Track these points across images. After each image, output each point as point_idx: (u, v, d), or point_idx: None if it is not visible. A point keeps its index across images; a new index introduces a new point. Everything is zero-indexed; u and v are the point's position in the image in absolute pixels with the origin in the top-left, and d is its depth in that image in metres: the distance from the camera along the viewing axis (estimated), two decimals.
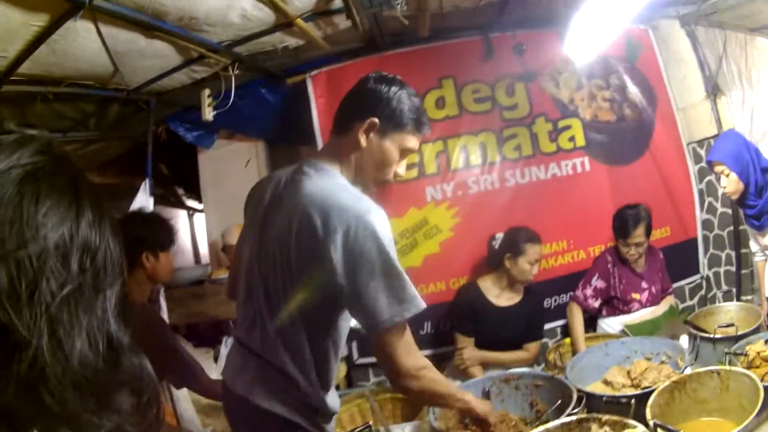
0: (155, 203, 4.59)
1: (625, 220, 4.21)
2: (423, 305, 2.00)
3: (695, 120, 5.15)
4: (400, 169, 2.30)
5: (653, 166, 5.13)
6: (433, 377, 2.13)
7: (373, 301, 1.92)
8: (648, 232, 4.23)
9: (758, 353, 2.65)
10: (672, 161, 5.23)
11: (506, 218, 4.62)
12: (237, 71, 4.29)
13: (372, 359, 4.79)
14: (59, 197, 0.75)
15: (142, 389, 0.79)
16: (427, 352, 4.80)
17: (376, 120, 2.14)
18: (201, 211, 7.55)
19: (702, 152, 5.18)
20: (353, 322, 2.67)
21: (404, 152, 2.25)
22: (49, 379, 0.68)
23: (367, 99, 2.21)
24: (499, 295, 4.25)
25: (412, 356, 2.04)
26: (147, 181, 4.50)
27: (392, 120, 2.17)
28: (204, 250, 8.86)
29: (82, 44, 3.21)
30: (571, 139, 5.00)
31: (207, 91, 4.45)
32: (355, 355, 4.90)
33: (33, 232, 0.69)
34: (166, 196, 7.77)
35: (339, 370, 4.56)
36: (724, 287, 5.20)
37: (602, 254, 4.57)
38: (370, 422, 2.62)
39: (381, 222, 1.98)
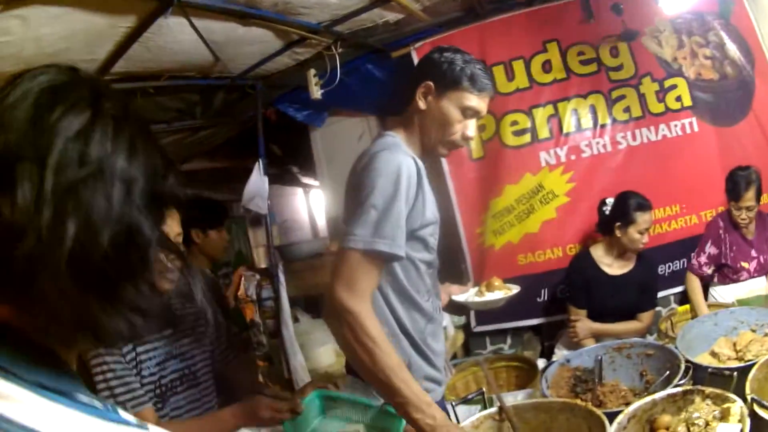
0: (271, 183, 4.88)
1: (736, 182, 4.35)
2: (398, 252, 2.16)
3: None
4: (469, 131, 2.50)
5: (758, 126, 5.16)
6: (357, 336, 2.08)
7: (355, 218, 2.18)
8: (759, 196, 4.34)
9: None
10: None
11: (620, 182, 4.76)
12: (340, 49, 4.53)
13: (489, 327, 5.19)
14: (76, 105, 0.84)
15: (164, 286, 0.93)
16: (543, 320, 5.14)
17: (431, 82, 2.43)
18: (317, 187, 7.97)
19: None
20: (464, 297, 3.12)
21: (466, 111, 2.45)
22: (47, 263, 0.76)
23: (423, 66, 2.54)
24: (611, 264, 4.44)
25: (349, 293, 2.09)
26: (260, 161, 4.85)
27: (447, 80, 2.42)
28: (321, 223, 9.40)
29: (177, 38, 3.46)
30: (678, 98, 5.13)
31: (313, 71, 4.73)
32: (473, 323, 5.20)
33: (47, 133, 0.79)
34: (280, 175, 8.14)
35: (456, 338, 4.88)
36: None
37: (714, 219, 4.72)
38: (484, 389, 2.87)
39: (391, 161, 2.24)
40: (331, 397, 2.44)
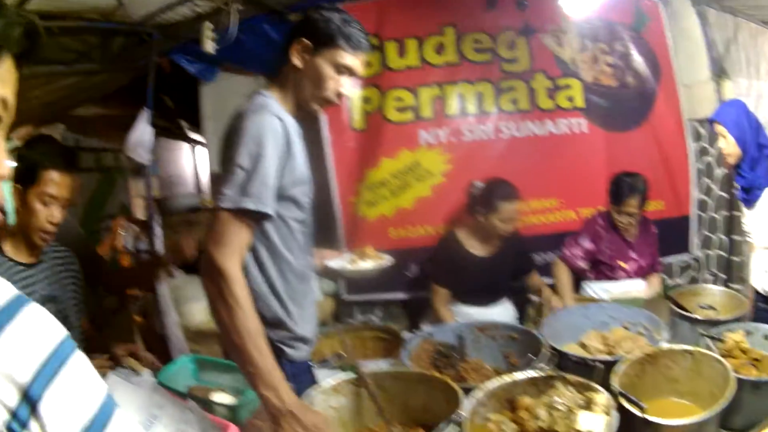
0: (159, 135, 4.78)
1: (620, 187, 4.48)
2: (265, 210, 2.24)
3: (698, 98, 5.46)
4: (343, 88, 2.57)
5: (652, 136, 5.46)
6: (221, 293, 2.13)
7: (224, 178, 2.25)
8: (642, 204, 4.49)
9: (737, 343, 2.86)
10: (671, 135, 5.55)
11: (499, 169, 4.86)
12: (240, 7, 4.51)
13: (359, 297, 5.26)
14: None
15: None
16: (412, 295, 5.25)
17: (307, 40, 2.48)
18: (202, 143, 7.74)
19: (702, 131, 5.50)
20: (337, 264, 3.18)
21: (340, 69, 2.52)
22: None
23: (301, 24, 2.56)
24: (476, 246, 4.54)
25: (219, 250, 2.16)
26: (147, 110, 4.78)
27: (322, 37, 2.48)
28: (205, 180, 9.48)
29: None
30: (570, 98, 5.33)
31: (208, 24, 4.65)
32: (343, 292, 5.26)
33: None
34: (169, 129, 7.97)
35: (326, 306, 4.90)
36: (714, 272, 5.62)
37: (594, 216, 4.85)
38: (343, 353, 2.92)
39: (257, 122, 2.31)
40: (203, 360, 2.42)
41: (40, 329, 0.89)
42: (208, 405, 2.06)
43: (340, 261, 3.14)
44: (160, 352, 3.83)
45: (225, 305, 2.10)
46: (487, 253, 4.59)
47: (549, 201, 5.37)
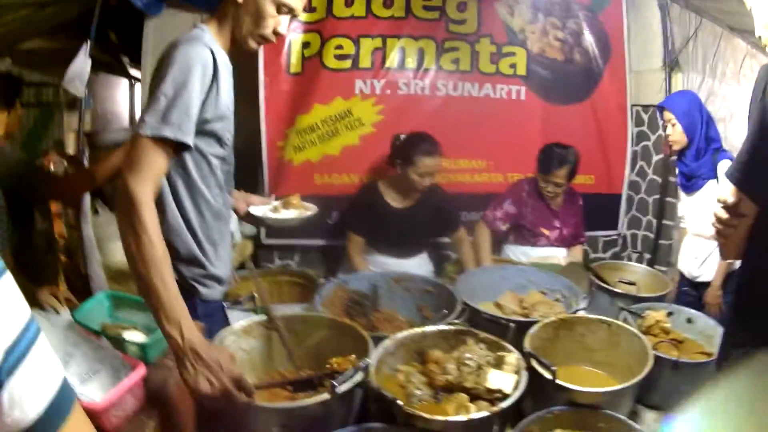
0: (99, 70, 4.71)
1: (550, 157, 4.56)
2: (184, 139, 2.20)
3: (646, 85, 5.63)
4: (281, 27, 2.55)
5: (591, 114, 5.64)
6: (130, 219, 2.05)
7: (147, 106, 2.21)
8: (570, 176, 4.59)
9: (658, 321, 2.93)
10: (612, 116, 5.72)
11: (430, 125, 4.86)
12: None
13: (278, 241, 5.31)
14: None
15: None
16: (331, 242, 5.29)
17: None
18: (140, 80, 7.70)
19: (645, 117, 5.67)
20: (260, 211, 3.16)
21: (280, 7, 2.49)
22: None
23: None
24: (396, 197, 4.58)
25: (133, 177, 2.09)
26: (88, 42, 4.69)
27: None
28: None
29: None
30: (512, 66, 5.43)
31: None
32: (263, 236, 5.27)
33: None
34: (111, 65, 7.77)
35: (245, 248, 4.83)
36: (639, 252, 5.79)
37: (520, 182, 4.95)
38: (255, 295, 2.90)
39: (186, 52, 2.28)
40: (118, 298, 2.39)
41: None
42: (120, 343, 2.03)
43: (263, 208, 3.11)
44: (84, 292, 3.86)
45: (132, 231, 2.03)
46: (406, 205, 4.63)
47: (478, 162, 5.51)
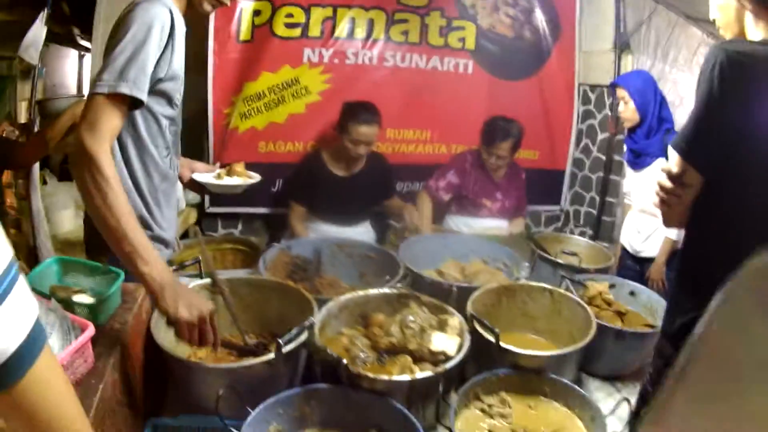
0: (50, 41, 4.63)
1: (494, 129, 4.65)
2: (139, 96, 2.19)
3: (595, 66, 5.72)
4: None
5: (538, 91, 5.72)
6: (93, 176, 2.04)
7: (104, 65, 2.19)
8: (514, 150, 4.69)
9: (600, 293, 2.99)
10: (559, 93, 5.82)
11: (376, 94, 4.97)
12: None
13: (222, 209, 5.31)
14: None
15: None
16: (274, 210, 5.30)
17: None
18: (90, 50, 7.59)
19: (592, 96, 5.77)
20: (204, 177, 3.17)
21: None
22: None
23: None
24: (338, 166, 4.63)
25: (90, 135, 2.07)
26: (44, 11, 4.64)
27: None
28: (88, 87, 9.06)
29: None
30: (461, 40, 5.47)
31: None
32: (207, 203, 5.25)
33: None
34: (61, 35, 7.68)
35: (189, 216, 4.88)
36: (582, 228, 5.88)
37: (463, 153, 5.04)
38: (200, 257, 2.80)
39: (146, 10, 2.27)
40: (67, 262, 2.38)
41: None
42: (69, 305, 2.02)
43: (207, 175, 3.10)
44: (31, 263, 3.87)
45: (96, 188, 2.03)
46: (348, 174, 4.68)
47: (423, 132, 5.58)
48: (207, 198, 5.25)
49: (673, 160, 1.95)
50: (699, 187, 1.89)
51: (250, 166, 3.26)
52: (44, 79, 5.23)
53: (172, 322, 2.05)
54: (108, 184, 2.03)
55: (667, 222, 2.12)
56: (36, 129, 4.76)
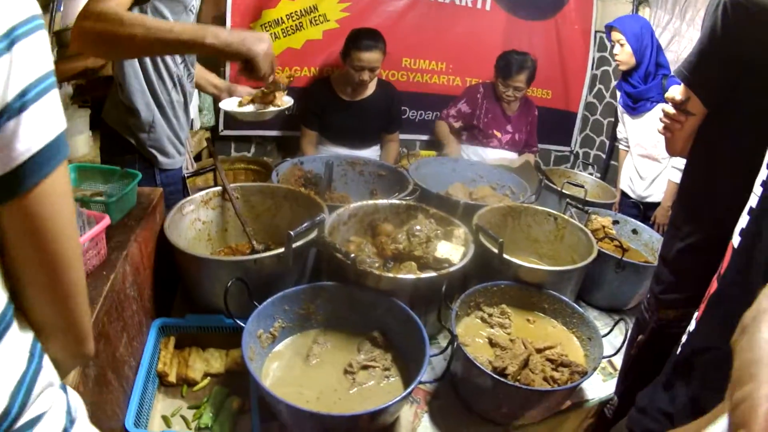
0: None
1: (509, 62, 4.71)
2: None
3: (612, 14, 5.56)
4: None
5: (554, 33, 5.76)
6: (120, 21, 2.00)
7: None
8: (529, 82, 4.76)
9: (604, 227, 3.03)
10: (574, 38, 5.86)
11: (391, 25, 5.13)
12: None
13: (235, 132, 5.36)
14: None
15: None
16: (288, 133, 5.38)
17: None
18: None
19: (608, 44, 5.48)
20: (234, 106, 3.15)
21: None
22: None
23: None
24: (346, 91, 4.67)
25: (99, 2, 2.02)
26: None
27: None
28: None
29: None
30: None
31: None
32: (221, 126, 5.30)
33: None
34: None
35: (203, 139, 4.86)
36: (590, 170, 5.87)
37: (476, 84, 5.12)
38: (217, 164, 2.86)
39: None
40: (82, 168, 2.41)
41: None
42: (85, 203, 2.06)
43: (230, 102, 3.07)
44: None
45: (127, 29, 1.99)
46: (357, 98, 4.72)
47: (438, 64, 5.60)
48: (221, 121, 5.30)
49: (677, 89, 1.98)
50: (701, 116, 1.92)
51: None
52: (62, 12, 5.21)
53: (255, 60, 2.13)
54: (133, 20, 2.01)
55: (670, 149, 2.15)
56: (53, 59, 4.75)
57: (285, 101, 2.96)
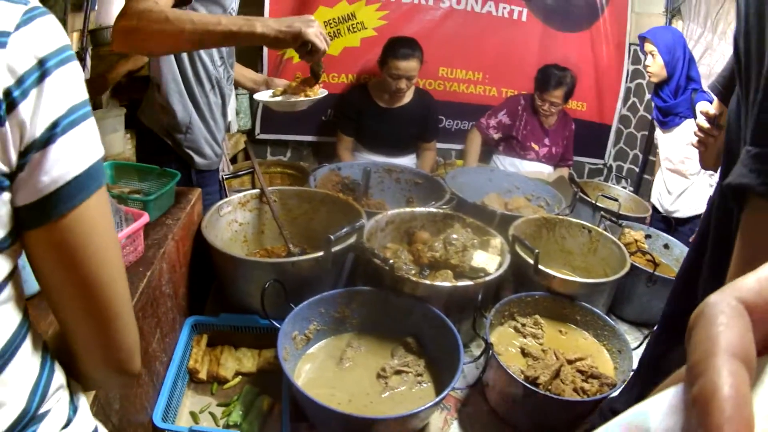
0: None
1: (548, 76, 4.73)
2: None
3: (646, 26, 5.38)
4: None
5: (589, 44, 5.74)
6: (164, 17, 2.03)
7: None
8: (567, 97, 4.78)
9: (636, 240, 3.01)
10: (609, 50, 5.83)
11: (430, 33, 5.17)
12: None
13: (271, 136, 5.38)
14: None
15: None
16: (324, 138, 5.40)
17: None
18: None
19: (642, 56, 5.57)
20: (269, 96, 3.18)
21: None
22: None
23: None
24: (383, 98, 4.70)
25: (139, 2, 2.05)
26: None
27: None
28: None
29: None
30: None
31: None
32: (257, 130, 5.32)
33: None
34: None
35: (239, 142, 4.96)
36: (623, 183, 6.00)
37: (517, 95, 5.14)
38: (255, 167, 2.89)
39: None
40: (120, 166, 2.44)
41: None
42: (123, 200, 2.08)
43: (264, 94, 3.09)
44: None
45: (175, 25, 2.02)
46: (394, 105, 4.74)
47: (475, 74, 5.62)
48: (258, 124, 5.32)
49: (705, 104, 1.98)
50: None
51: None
52: (96, 11, 5.26)
53: (310, 40, 2.14)
54: (179, 15, 2.03)
55: (703, 163, 2.15)
56: (88, 57, 4.78)
57: (319, 92, 3.00)
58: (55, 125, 0.90)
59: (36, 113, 0.87)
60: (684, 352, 0.42)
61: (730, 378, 0.36)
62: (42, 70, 0.87)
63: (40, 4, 0.92)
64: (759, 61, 0.88)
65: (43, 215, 0.93)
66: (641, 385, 1.51)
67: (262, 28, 2.07)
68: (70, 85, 0.93)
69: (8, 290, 0.97)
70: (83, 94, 0.96)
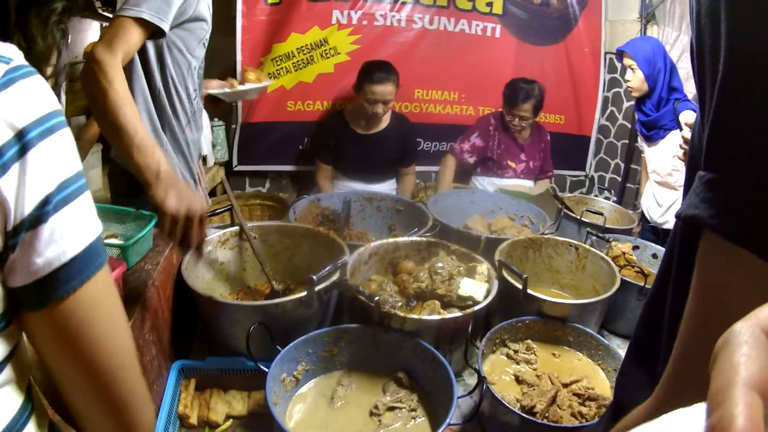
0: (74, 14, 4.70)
1: (515, 91, 4.67)
2: (161, 24, 2.28)
3: (620, 34, 5.66)
4: None
5: (564, 57, 5.75)
6: (97, 78, 2.10)
7: None
8: (536, 111, 4.70)
9: (624, 253, 2.99)
10: (585, 60, 5.83)
11: (402, 56, 5.14)
12: None
13: (249, 167, 5.36)
14: None
15: None
16: (303, 168, 5.36)
17: None
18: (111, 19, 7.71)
19: (618, 64, 5.68)
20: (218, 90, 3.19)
21: None
22: None
23: None
24: (361, 124, 4.67)
25: (104, 48, 2.13)
26: None
27: None
28: None
29: None
30: (489, 4, 5.48)
31: None
32: (235, 161, 5.31)
33: None
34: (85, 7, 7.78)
35: (216, 174, 4.93)
36: (606, 194, 5.74)
37: (487, 116, 5.08)
38: (233, 203, 2.73)
39: None
40: (98, 209, 2.40)
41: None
42: None
43: (221, 90, 3.17)
44: None
45: (98, 87, 2.09)
46: (371, 131, 4.72)
47: (450, 94, 5.63)
48: (235, 156, 5.30)
49: (690, 113, 1.96)
50: None
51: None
52: (68, 51, 5.27)
53: (159, 211, 2.07)
54: (110, 83, 2.09)
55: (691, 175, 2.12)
56: (62, 92, 4.76)
57: (265, 80, 3.00)
58: (45, 202, 0.84)
59: (21, 190, 0.82)
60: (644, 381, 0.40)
61: (746, 410, 0.37)
62: (22, 143, 0.81)
63: (24, 62, 0.87)
64: (713, 71, 0.82)
65: (40, 298, 0.88)
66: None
67: (144, 160, 2.09)
68: (58, 157, 0.87)
69: (7, 372, 0.92)
70: (76, 166, 0.91)
